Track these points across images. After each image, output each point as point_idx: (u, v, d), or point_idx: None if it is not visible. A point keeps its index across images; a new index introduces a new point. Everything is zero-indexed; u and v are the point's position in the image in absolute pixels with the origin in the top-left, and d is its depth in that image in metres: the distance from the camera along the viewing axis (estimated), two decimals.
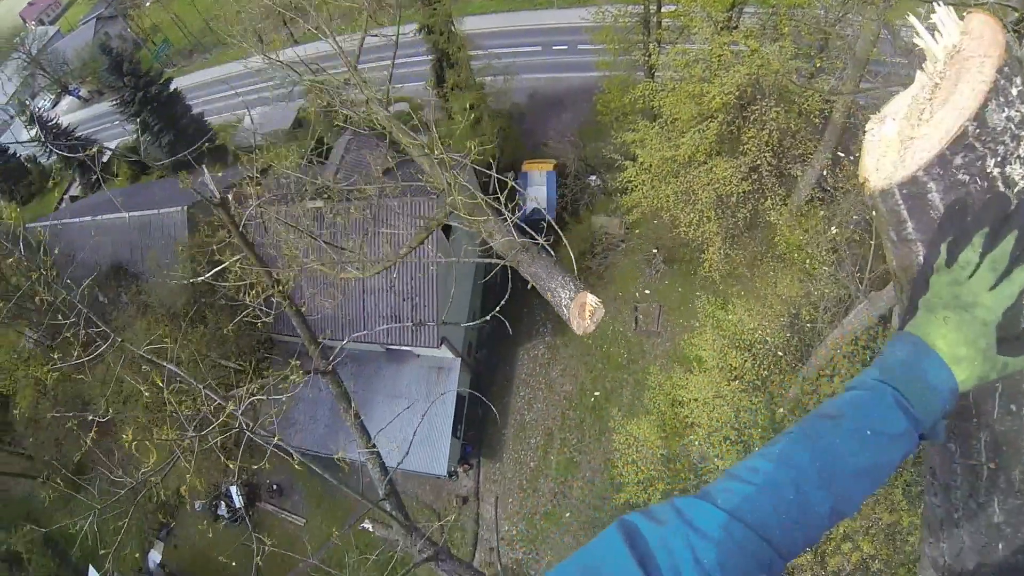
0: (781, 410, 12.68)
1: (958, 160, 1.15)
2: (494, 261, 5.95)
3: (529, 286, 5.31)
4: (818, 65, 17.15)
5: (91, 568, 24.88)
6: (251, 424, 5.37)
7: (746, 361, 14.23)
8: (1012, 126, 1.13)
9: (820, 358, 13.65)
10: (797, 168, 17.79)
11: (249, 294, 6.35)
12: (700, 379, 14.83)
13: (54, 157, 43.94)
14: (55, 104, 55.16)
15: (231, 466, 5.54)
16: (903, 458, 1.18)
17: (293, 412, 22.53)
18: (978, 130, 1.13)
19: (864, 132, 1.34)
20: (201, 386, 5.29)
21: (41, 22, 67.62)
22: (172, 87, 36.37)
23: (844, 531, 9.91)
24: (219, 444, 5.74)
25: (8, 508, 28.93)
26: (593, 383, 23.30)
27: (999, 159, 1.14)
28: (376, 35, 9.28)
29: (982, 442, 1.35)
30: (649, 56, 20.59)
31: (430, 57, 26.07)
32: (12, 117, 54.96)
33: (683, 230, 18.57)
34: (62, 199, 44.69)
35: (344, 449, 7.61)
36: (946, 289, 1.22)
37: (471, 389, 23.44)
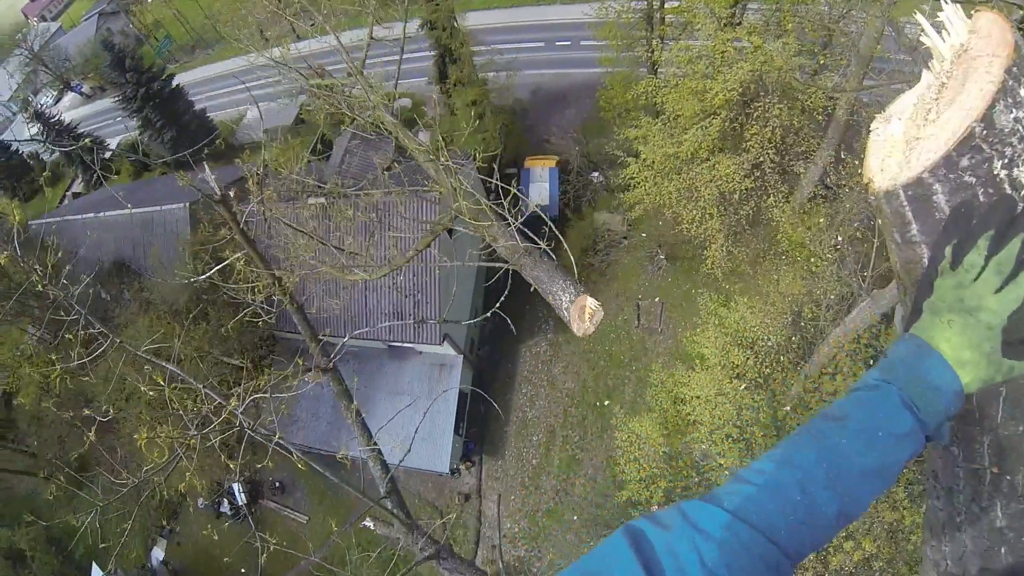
0: (786, 409, 12.66)
1: (964, 162, 1.13)
2: (498, 265, 6.07)
3: (531, 285, 5.45)
4: (822, 62, 17.09)
5: (94, 565, 24.96)
6: (252, 423, 5.36)
7: (748, 359, 14.21)
8: (1020, 128, 1.11)
9: (822, 356, 13.64)
10: (800, 165, 17.74)
11: (250, 292, 6.35)
12: (702, 376, 14.81)
13: (56, 154, 43.98)
14: (57, 100, 55.20)
15: (232, 465, 5.54)
16: (910, 458, 1.17)
17: (295, 409, 22.59)
18: (985, 131, 1.10)
19: (868, 131, 1.32)
20: (201, 386, 5.28)
21: (43, 18, 67.66)
22: (174, 83, 36.42)
23: (846, 530, 9.91)
24: (220, 443, 5.74)
25: (11, 505, 29.03)
26: (595, 381, 23.30)
27: (1006, 161, 1.12)
28: (381, 39, 9.27)
29: (985, 446, 1.34)
30: (652, 52, 20.55)
31: (432, 53, 26.03)
32: (14, 114, 54.99)
33: (685, 227, 18.53)
34: (64, 196, 44.76)
35: (346, 447, 7.61)
36: (950, 292, 1.21)
37: (473, 386, 23.46)
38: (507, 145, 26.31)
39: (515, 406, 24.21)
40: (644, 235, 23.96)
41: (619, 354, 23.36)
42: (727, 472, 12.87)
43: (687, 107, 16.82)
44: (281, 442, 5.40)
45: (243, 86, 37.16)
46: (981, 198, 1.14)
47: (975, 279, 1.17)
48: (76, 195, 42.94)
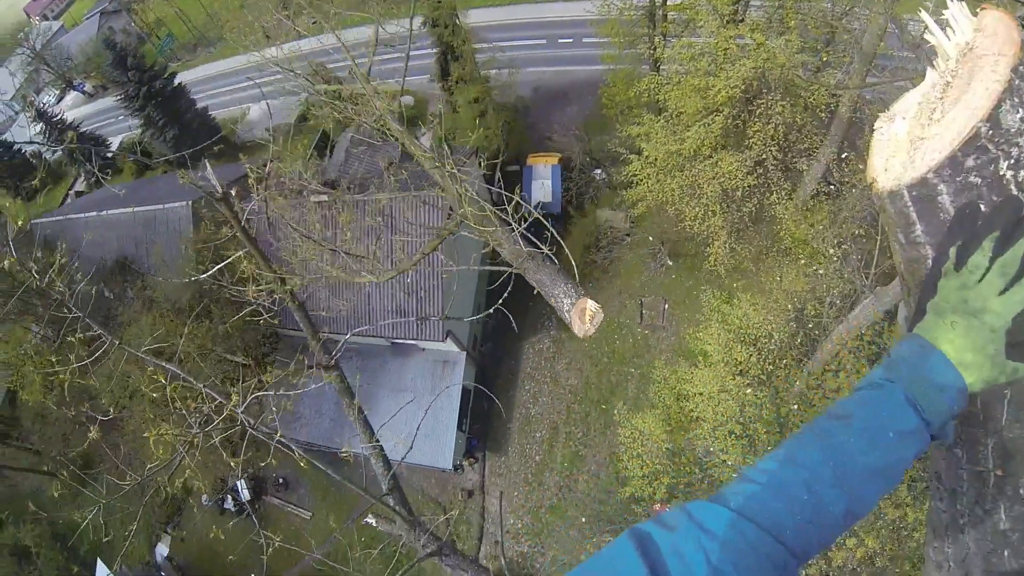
0: (795, 407, 12.64)
1: (970, 162, 1.11)
2: (502, 268, 6.25)
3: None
4: (824, 59, 17.02)
5: (99, 561, 25.05)
6: (253, 421, 5.37)
7: (751, 355, 14.20)
8: None
9: (825, 353, 13.63)
10: (803, 162, 17.71)
11: (251, 290, 6.36)
12: (705, 373, 14.82)
13: (58, 153, 44.04)
14: (60, 99, 55.22)
15: (233, 464, 5.55)
16: (915, 456, 1.16)
17: (298, 406, 22.61)
18: (991, 131, 1.09)
19: (872, 129, 1.31)
20: (202, 385, 5.29)
21: (45, 17, 67.61)
22: (176, 81, 36.43)
23: None
24: (224, 440, 5.75)
25: (16, 503, 29.14)
26: (599, 377, 23.31)
27: (1012, 161, 1.10)
28: (387, 45, 9.30)
29: (989, 448, 1.33)
30: (654, 49, 20.48)
31: (434, 51, 26.02)
32: (17, 113, 55.05)
33: (688, 224, 18.51)
34: (67, 195, 44.83)
35: (348, 444, 7.63)
36: (954, 293, 1.20)
37: (476, 383, 23.49)
38: (509, 142, 26.29)
39: (518, 403, 24.23)
40: (647, 232, 23.91)
41: (622, 351, 23.36)
42: (730, 469, 12.89)
43: (690, 104, 16.78)
44: (283, 440, 5.40)
45: (251, 82, 37.29)
46: (987, 199, 1.13)
47: (979, 280, 1.16)
48: (79, 194, 43.00)
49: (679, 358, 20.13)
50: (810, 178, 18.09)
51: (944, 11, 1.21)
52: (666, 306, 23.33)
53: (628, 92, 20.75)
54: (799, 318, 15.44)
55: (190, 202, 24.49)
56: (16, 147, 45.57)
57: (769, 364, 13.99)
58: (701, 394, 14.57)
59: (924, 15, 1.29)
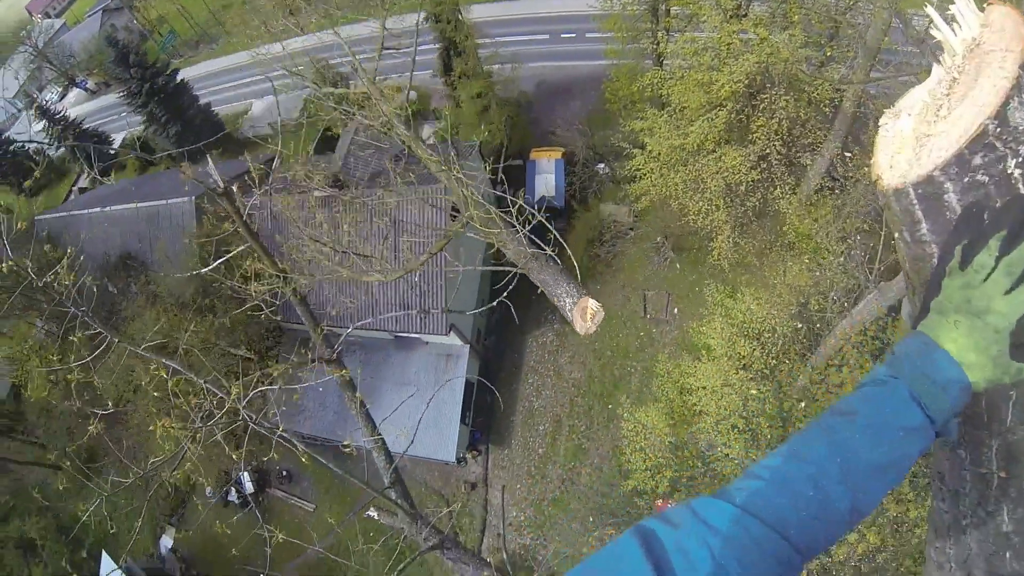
0: (802, 403, 12.62)
1: (977, 160, 1.10)
2: (506, 268, 6.41)
3: None
4: (828, 54, 16.97)
5: (104, 554, 25.15)
6: (255, 416, 5.39)
7: (754, 350, 14.19)
8: None
9: (829, 348, 13.60)
10: (807, 157, 17.65)
11: (252, 285, 6.38)
12: (708, 367, 14.81)
13: (62, 149, 44.10)
14: (62, 97, 55.22)
15: (235, 457, 5.57)
16: (920, 452, 1.16)
17: (302, 399, 22.63)
18: (999, 129, 1.07)
19: (877, 125, 1.30)
20: (203, 381, 5.30)
21: (47, 15, 67.45)
22: (179, 78, 36.45)
23: None
24: (228, 433, 5.77)
25: (21, 496, 29.28)
26: (602, 371, 23.32)
27: (1020, 160, 1.08)
28: (392, 47, 9.31)
29: (993, 450, 1.32)
30: (658, 44, 20.40)
31: (437, 46, 25.98)
32: (20, 111, 55.07)
33: (692, 218, 18.49)
34: (71, 191, 44.87)
35: (351, 437, 7.66)
36: (958, 292, 1.19)
37: (480, 376, 23.52)
38: (513, 137, 26.28)
39: (522, 396, 24.26)
40: (650, 226, 23.88)
41: (626, 344, 23.36)
42: (732, 463, 12.89)
43: (693, 99, 16.74)
44: (284, 435, 5.42)
45: (253, 79, 37.38)
46: (994, 198, 1.11)
47: (984, 280, 1.15)
48: (82, 190, 43.03)
49: (682, 352, 20.12)
50: (814, 173, 18.05)
51: (950, 6, 1.20)
52: (670, 300, 23.32)
53: (631, 87, 20.70)
54: (802, 313, 15.41)
55: (193, 198, 24.49)
56: (19, 145, 45.61)
57: (772, 359, 13.98)
58: (704, 388, 14.56)
59: (930, 10, 1.28)
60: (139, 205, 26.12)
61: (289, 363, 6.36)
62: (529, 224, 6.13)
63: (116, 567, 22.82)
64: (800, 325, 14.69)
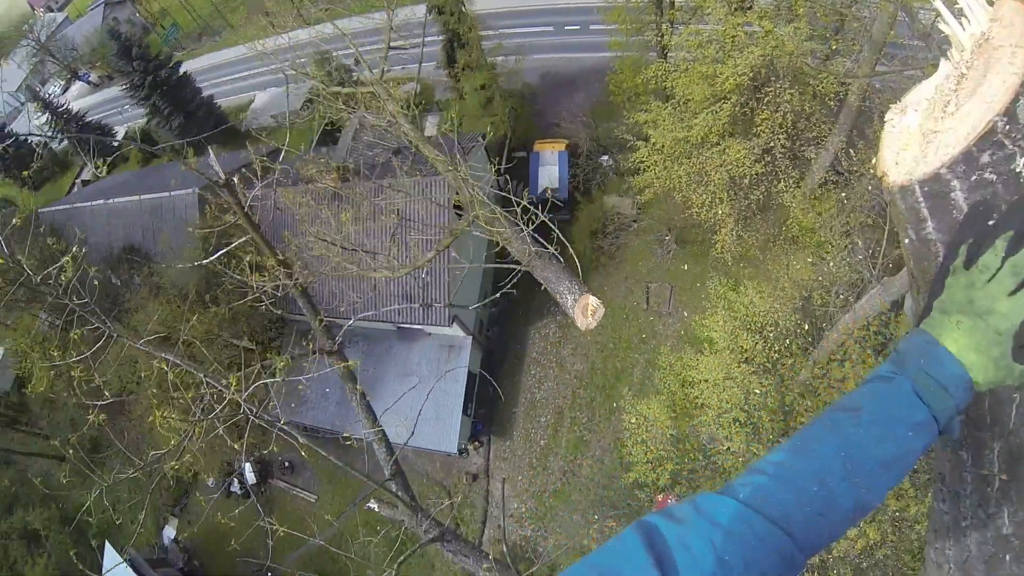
0: (807, 403, 12.61)
1: (985, 158, 1.07)
2: (511, 266, 6.60)
3: None
4: (833, 47, 16.87)
5: (107, 544, 25.31)
6: (255, 409, 5.40)
7: (757, 343, 14.17)
8: None
9: (831, 342, 13.58)
10: (811, 151, 17.60)
11: (254, 277, 6.39)
12: (710, 360, 14.81)
13: (65, 142, 44.09)
14: (65, 90, 55.16)
15: (237, 447, 5.58)
16: (924, 449, 1.16)
17: (304, 389, 22.69)
18: (1008, 126, 1.05)
19: (882, 120, 1.28)
20: (202, 375, 5.31)
21: (49, 9, 67.23)
22: (181, 70, 36.37)
23: None
24: (231, 424, 5.79)
25: (25, 487, 29.46)
26: (604, 363, 23.33)
27: None
28: (399, 47, 9.31)
29: (996, 452, 1.31)
30: (662, 36, 20.34)
31: (440, 38, 25.90)
32: (23, 104, 55.08)
33: (695, 211, 18.46)
34: (74, 183, 44.91)
35: (351, 429, 7.68)
36: (961, 293, 1.17)
37: (482, 367, 23.55)
38: (516, 129, 26.25)
39: (524, 387, 24.29)
40: (653, 219, 23.83)
41: (628, 337, 23.36)
42: (734, 456, 12.91)
43: (697, 91, 16.69)
44: (285, 428, 5.43)
45: (257, 70, 37.30)
46: (1002, 197, 1.09)
47: (989, 280, 1.14)
48: (85, 183, 43.07)
49: (685, 345, 20.12)
50: (818, 166, 17.99)
51: (958, 0, 1.18)
52: (672, 293, 23.30)
53: (635, 79, 20.64)
54: (805, 307, 15.39)
55: (196, 190, 24.50)
56: (22, 138, 45.61)
57: (775, 352, 13.96)
58: (706, 381, 14.56)
59: (937, 3, 1.25)
60: (142, 197, 26.15)
61: (288, 354, 6.37)
62: (533, 224, 6.22)
63: (119, 558, 22.95)
64: (803, 319, 14.66)
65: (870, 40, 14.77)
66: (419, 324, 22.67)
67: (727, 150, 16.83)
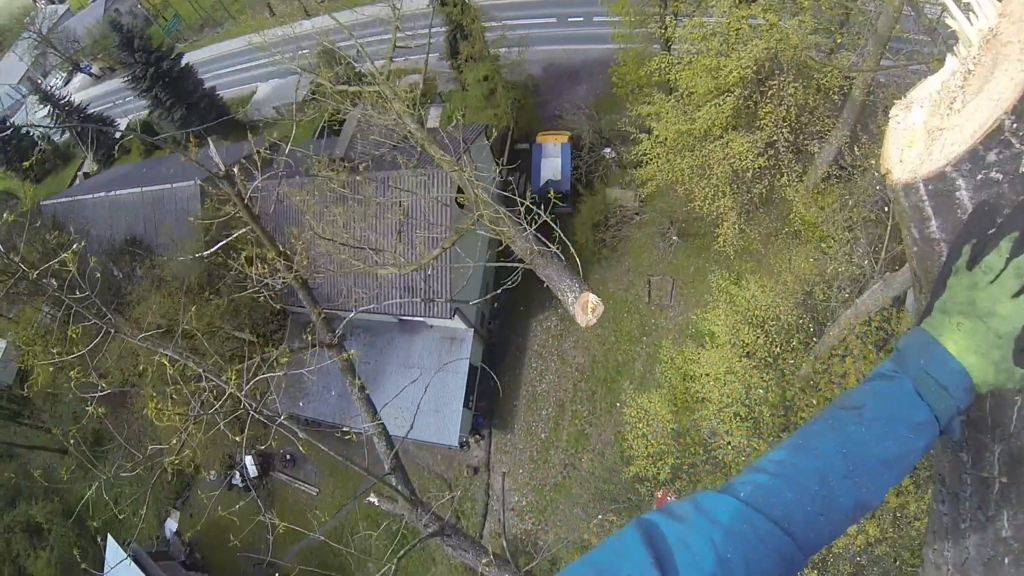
0: (804, 392, 12.61)
1: (991, 157, 1.05)
2: (514, 265, 6.77)
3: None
4: (838, 41, 16.81)
5: (109, 537, 25.40)
6: (255, 403, 5.40)
7: (758, 338, 14.16)
8: None
9: (833, 337, 13.56)
10: (814, 145, 17.55)
11: (254, 267, 6.38)
12: (712, 354, 14.80)
13: (66, 135, 44.08)
14: (67, 82, 55.12)
15: (238, 440, 5.59)
16: (926, 448, 1.15)
17: (305, 382, 22.73)
18: (1016, 125, 1.02)
19: (887, 115, 1.25)
20: (202, 370, 5.30)
21: (51, 1, 67.26)
22: (183, 62, 36.32)
23: None
24: (233, 418, 5.79)
25: (28, 481, 29.58)
26: (605, 356, 23.34)
27: None
28: (405, 45, 9.29)
29: (996, 455, 1.30)
30: (665, 29, 20.27)
31: (443, 29, 25.83)
32: (24, 96, 55.06)
33: (698, 204, 18.44)
34: (76, 176, 44.91)
35: (351, 422, 7.69)
36: (963, 293, 1.16)
37: (484, 360, 23.56)
38: (519, 120, 26.22)
39: (525, 380, 24.31)
40: (656, 211, 23.79)
41: (629, 330, 23.36)
42: (734, 450, 12.91)
43: (701, 84, 16.63)
44: (285, 423, 5.43)
45: (261, 61, 37.20)
46: (1008, 197, 1.07)
47: (992, 282, 1.12)
48: (87, 175, 43.07)
49: (686, 338, 20.13)
50: (821, 161, 17.94)
51: None
52: (674, 286, 23.28)
53: (639, 71, 20.57)
54: (807, 301, 15.37)
55: (198, 181, 24.50)
56: (24, 130, 45.60)
57: (776, 347, 13.95)
58: (707, 375, 14.57)
59: None
60: (144, 189, 26.15)
61: (285, 347, 6.37)
62: (535, 224, 6.32)
63: (122, 551, 23.03)
64: (804, 314, 14.64)
65: (875, 34, 14.69)
66: (421, 316, 22.70)
67: (730, 143, 16.78)
